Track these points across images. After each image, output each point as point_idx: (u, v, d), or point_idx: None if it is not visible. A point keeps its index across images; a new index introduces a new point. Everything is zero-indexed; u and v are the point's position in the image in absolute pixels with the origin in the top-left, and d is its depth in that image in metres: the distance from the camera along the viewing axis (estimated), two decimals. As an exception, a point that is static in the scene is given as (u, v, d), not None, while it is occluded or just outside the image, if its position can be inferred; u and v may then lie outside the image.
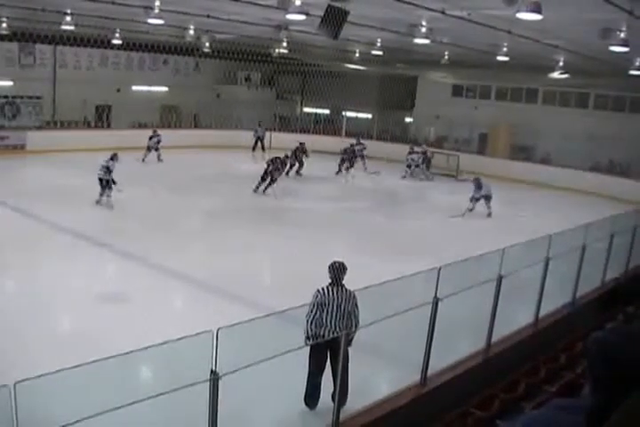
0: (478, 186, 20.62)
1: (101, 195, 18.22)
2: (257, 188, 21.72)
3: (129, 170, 24.07)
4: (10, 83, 28.97)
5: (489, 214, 20.52)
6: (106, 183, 18.20)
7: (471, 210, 20.41)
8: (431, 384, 7.92)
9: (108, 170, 18.20)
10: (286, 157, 23.66)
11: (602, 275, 12.46)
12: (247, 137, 31.50)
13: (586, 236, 11.01)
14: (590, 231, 11.12)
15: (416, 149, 28.09)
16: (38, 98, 29.40)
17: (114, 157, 18.56)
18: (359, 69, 32.48)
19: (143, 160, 26.34)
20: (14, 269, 12.56)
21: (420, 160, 27.47)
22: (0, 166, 22.63)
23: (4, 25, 22.88)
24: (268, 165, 21.95)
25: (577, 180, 26.42)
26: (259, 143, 31.91)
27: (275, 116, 36.07)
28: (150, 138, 26.90)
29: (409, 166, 27.39)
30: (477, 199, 20.56)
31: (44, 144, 26.66)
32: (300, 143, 26.52)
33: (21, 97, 28.86)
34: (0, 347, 8.82)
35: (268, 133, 32.41)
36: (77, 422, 4.43)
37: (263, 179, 21.72)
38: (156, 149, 26.77)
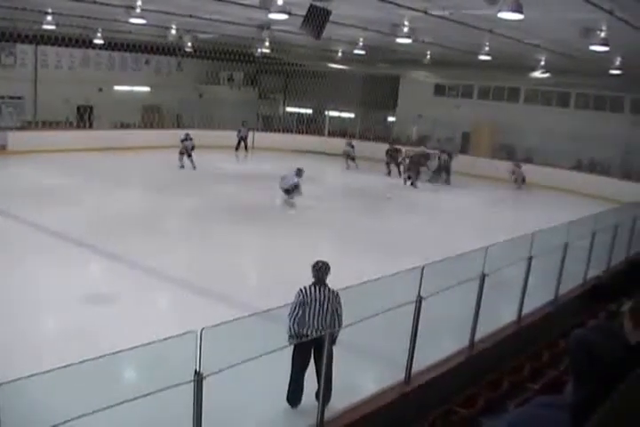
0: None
1: (291, 198, 19.75)
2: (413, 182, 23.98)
3: (114, 170, 24.08)
4: (-9, 83, 28.77)
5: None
6: (288, 191, 19.79)
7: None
8: (415, 383, 7.95)
9: (296, 186, 19.63)
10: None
11: (584, 273, 12.55)
12: (230, 137, 31.45)
13: (568, 234, 11.09)
14: (572, 229, 11.20)
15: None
16: (19, 98, 29.24)
17: (299, 173, 19.74)
18: (342, 69, 32.52)
19: (182, 167, 25.39)
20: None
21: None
22: (-19, 167, 22.50)
23: (-15, 24, 22.77)
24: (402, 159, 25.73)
25: (559, 178, 26.59)
26: (242, 143, 31.89)
27: (257, 116, 36.02)
28: (182, 141, 25.50)
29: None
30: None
31: (26, 145, 26.47)
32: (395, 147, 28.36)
33: (2, 97, 28.71)
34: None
35: (250, 133, 32.40)
36: (63, 423, 4.42)
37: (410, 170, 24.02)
38: (189, 155, 25.47)
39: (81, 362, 4.47)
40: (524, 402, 6.22)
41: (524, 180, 26.53)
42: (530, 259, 10.12)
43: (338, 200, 21.71)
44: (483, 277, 8.79)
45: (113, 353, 4.74)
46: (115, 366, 6.28)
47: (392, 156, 27.95)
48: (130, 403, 4.79)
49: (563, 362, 8.10)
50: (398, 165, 27.26)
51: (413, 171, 25.16)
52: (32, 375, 4.26)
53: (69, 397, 5.59)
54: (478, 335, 9.13)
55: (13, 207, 17.10)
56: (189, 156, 25.47)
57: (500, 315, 11.01)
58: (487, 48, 19.31)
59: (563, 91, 29.88)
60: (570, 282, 12.04)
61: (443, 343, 9.94)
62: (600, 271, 13.17)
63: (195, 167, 25.42)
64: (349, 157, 29.22)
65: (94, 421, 4.51)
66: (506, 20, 11.56)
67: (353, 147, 29.49)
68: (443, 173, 26.85)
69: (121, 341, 5.49)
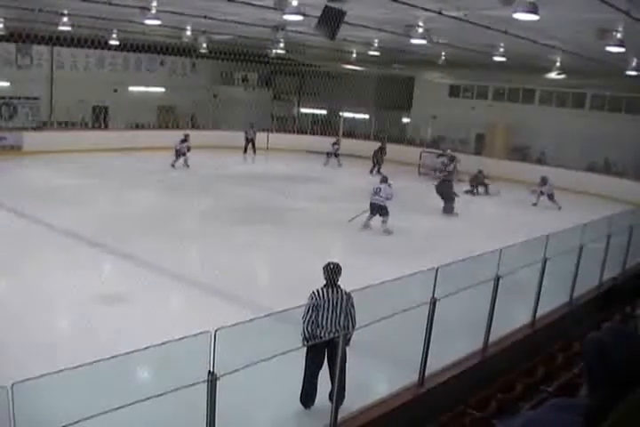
0: (544, 182, 22.79)
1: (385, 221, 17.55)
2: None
3: (129, 171, 24.19)
4: (7, 83, 28.96)
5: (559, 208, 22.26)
6: (383, 210, 17.52)
7: (535, 204, 22.80)
8: (428, 384, 7.94)
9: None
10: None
11: (599, 275, 12.48)
12: (241, 138, 31.40)
13: (583, 236, 11.04)
14: (587, 231, 11.14)
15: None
16: (35, 99, 29.41)
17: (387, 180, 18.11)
18: (356, 70, 32.46)
19: (173, 166, 25.54)
20: (11, 271, 12.53)
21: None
22: (-3, 167, 22.65)
23: (1, 25, 22.85)
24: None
25: (573, 180, 26.39)
26: (249, 145, 31.69)
27: (272, 117, 36.03)
28: (182, 142, 25.80)
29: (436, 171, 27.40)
30: (542, 194, 22.77)
31: (41, 145, 26.63)
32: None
33: (18, 98, 28.87)
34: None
35: (264, 134, 32.36)
36: (76, 422, 4.44)
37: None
38: (184, 154, 25.76)
39: (94, 362, 4.49)
40: (537, 404, 6.20)
41: (550, 196, 22.74)
42: (544, 261, 10.08)
43: (351, 201, 21.64)
44: (497, 279, 8.77)
45: (127, 353, 4.76)
46: (129, 365, 6.30)
47: (375, 153, 28.65)
48: (144, 403, 4.81)
49: (577, 365, 8.05)
50: (375, 164, 28.20)
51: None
52: (44, 375, 4.28)
53: (83, 396, 5.62)
54: (492, 338, 9.10)
55: (28, 207, 17.20)
56: (184, 155, 25.87)
57: (515, 317, 10.97)
58: (502, 49, 19.25)
59: (578, 92, 29.73)
60: (585, 284, 11.98)
61: (457, 345, 9.91)
62: (616, 273, 13.10)
63: (188, 166, 25.89)
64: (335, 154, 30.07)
65: (108, 420, 4.53)
66: (521, 21, 11.51)
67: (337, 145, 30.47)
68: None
69: (134, 340, 5.51)
